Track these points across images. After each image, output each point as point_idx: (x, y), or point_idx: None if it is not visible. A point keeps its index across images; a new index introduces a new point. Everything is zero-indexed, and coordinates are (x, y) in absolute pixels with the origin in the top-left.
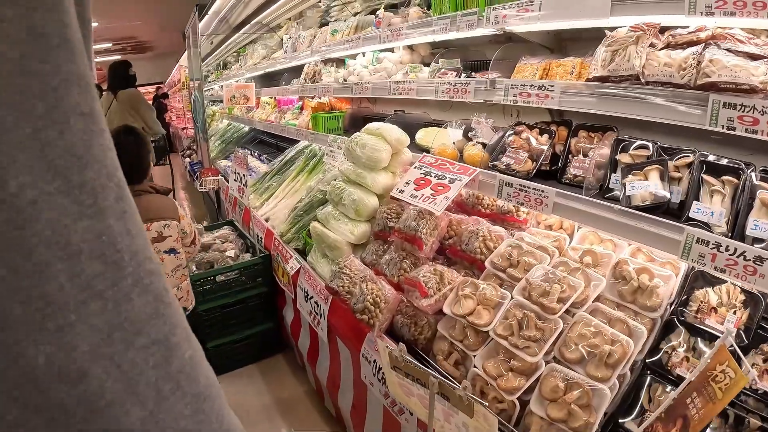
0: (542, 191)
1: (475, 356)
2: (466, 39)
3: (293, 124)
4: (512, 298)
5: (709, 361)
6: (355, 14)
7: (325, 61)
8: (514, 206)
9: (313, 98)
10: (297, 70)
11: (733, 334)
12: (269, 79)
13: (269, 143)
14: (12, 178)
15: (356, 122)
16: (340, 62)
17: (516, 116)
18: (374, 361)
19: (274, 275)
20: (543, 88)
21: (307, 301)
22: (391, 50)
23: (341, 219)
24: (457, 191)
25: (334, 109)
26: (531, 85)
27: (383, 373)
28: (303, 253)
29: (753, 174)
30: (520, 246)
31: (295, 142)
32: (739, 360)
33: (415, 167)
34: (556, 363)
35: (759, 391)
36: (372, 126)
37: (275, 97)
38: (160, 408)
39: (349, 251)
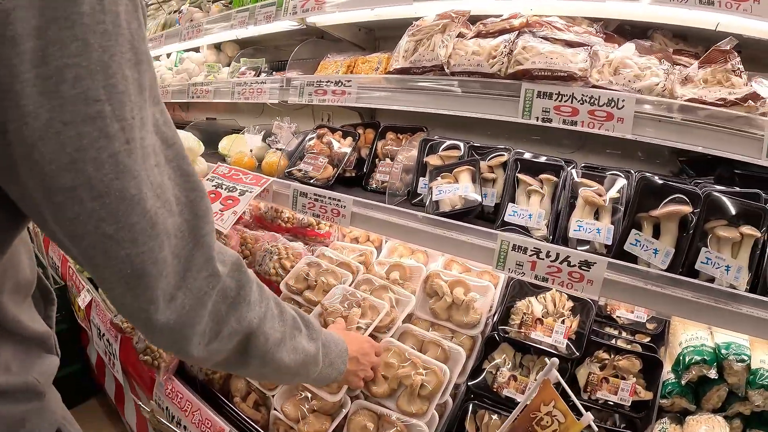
0: (338, 201)
1: (273, 396)
2: (276, 37)
3: None
4: None
5: (533, 396)
6: (175, 12)
7: None
8: (315, 219)
9: None
10: None
11: (557, 365)
12: None
13: None
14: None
15: None
16: None
17: (328, 120)
18: (167, 408)
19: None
20: (340, 83)
21: (101, 339)
22: (198, 50)
23: None
24: (245, 204)
25: None
26: (327, 82)
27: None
28: None
29: (574, 171)
30: (319, 264)
31: None
32: (569, 399)
33: (207, 179)
34: (363, 399)
35: (599, 401)
36: None
37: None
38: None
39: None
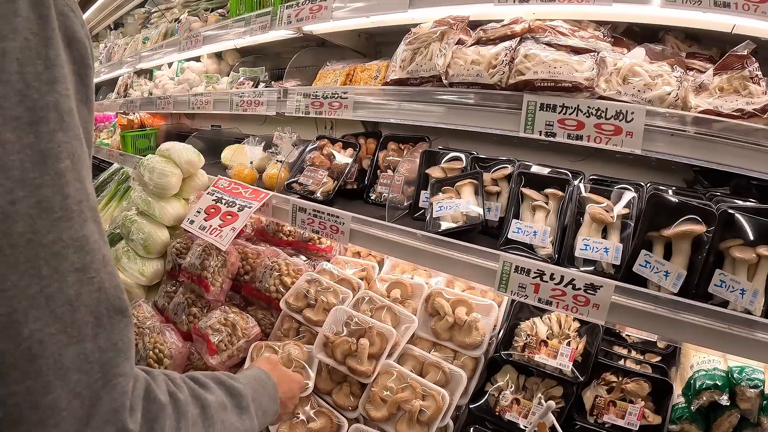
0: (337, 217)
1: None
2: (277, 45)
3: (106, 144)
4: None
5: None
6: (175, 21)
7: (139, 73)
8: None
9: (127, 115)
10: (115, 83)
11: (553, 409)
12: (95, 93)
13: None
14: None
15: (171, 140)
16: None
17: (330, 128)
18: None
19: None
20: (336, 96)
21: None
22: (199, 59)
23: (132, 256)
24: (245, 221)
25: (145, 126)
26: (324, 94)
27: None
28: None
29: (581, 185)
30: (319, 281)
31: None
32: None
33: (207, 193)
34: (364, 423)
35: (606, 425)
36: (164, 146)
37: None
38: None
39: (142, 294)
